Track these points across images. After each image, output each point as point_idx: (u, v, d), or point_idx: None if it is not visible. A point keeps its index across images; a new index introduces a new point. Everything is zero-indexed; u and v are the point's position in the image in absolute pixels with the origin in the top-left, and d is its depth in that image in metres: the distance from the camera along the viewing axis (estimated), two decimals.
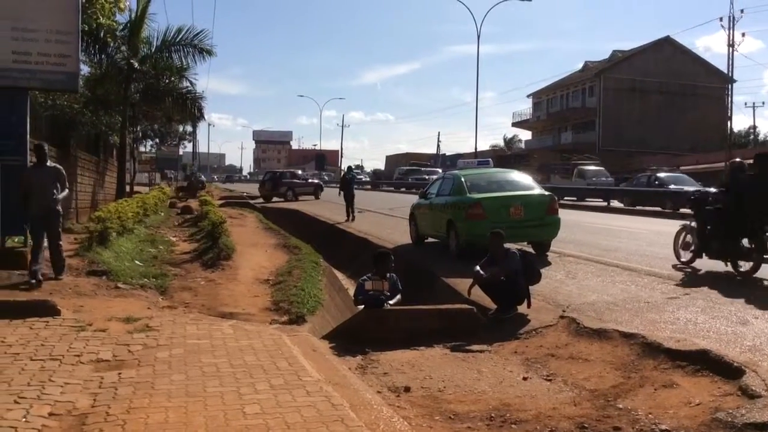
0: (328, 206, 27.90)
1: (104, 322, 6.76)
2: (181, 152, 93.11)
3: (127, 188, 25.05)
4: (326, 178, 42.57)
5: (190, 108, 24.32)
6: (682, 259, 10.25)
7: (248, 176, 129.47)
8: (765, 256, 8.75)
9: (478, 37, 45.68)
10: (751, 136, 69.62)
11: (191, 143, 75.20)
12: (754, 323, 6.59)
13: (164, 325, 6.77)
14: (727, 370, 5.19)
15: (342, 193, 22.47)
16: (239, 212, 24.20)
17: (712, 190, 10.80)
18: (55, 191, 8.64)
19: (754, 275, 8.92)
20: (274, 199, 35.50)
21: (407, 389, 5.59)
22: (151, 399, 4.56)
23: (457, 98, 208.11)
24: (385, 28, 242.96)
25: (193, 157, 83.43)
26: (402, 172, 53.99)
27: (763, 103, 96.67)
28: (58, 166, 9.07)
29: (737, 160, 10.87)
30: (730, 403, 4.61)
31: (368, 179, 68.55)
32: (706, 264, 9.80)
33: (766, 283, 8.82)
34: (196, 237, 15.84)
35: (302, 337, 6.85)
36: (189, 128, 57.20)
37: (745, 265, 9.06)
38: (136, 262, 11.17)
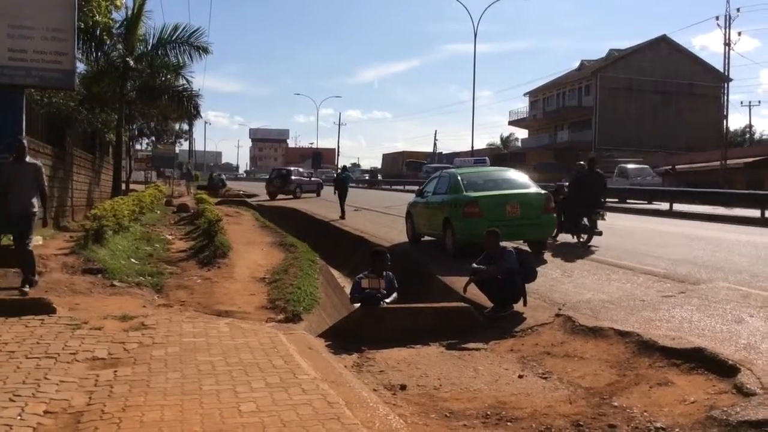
0: (324, 204, 27.90)
1: (100, 320, 6.75)
2: (177, 150, 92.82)
3: (123, 186, 25.01)
4: (324, 177, 42.31)
5: (187, 106, 24.25)
6: None
7: (245, 174, 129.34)
8: (595, 230, 12.93)
9: (475, 35, 45.77)
10: (747, 135, 69.80)
11: (187, 141, 75.23)
12: (749, 321, 6.62)
13: (160, 324, 6.76)
14: (722, 368, 5.20)
15: (336, 191, 23.42)
16: (235, 210, 24.17)
17: (566, 184, 15.03)
18: (32, 192, 8.33)
19: (589, 243, 12.86)
20: (279, 196, 35.56)
21: (403, 387, 5.60)
22: (147, 397, 4.55)
23: (454, 96, 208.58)
24: (382, 26, 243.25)
25: (189, 156, 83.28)
26: (430, 169, 46.10)
27: (759, 102, 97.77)
28: (37, 162, 8.86)
29: (580, 162, 15.35)
30: (725, 401, 4.62)
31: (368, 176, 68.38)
32: (564, 237, 13.66)
33: (592, 248, 12.47)
34: (192, 235, 15.81)
35: (298, 335, 6.85)
36: (185, 126, 57.13)
37: (584, 237, 13.05)
38: (132, 260, 11.15)
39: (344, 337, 7.23)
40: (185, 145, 74.53)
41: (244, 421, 4.11)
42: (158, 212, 22.60)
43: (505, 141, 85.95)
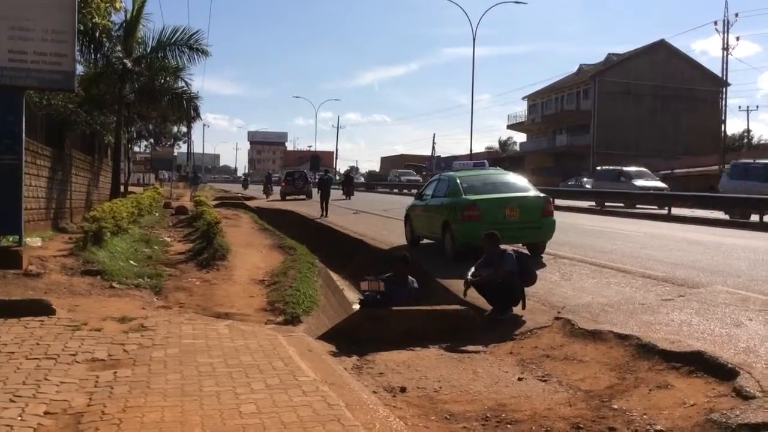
0: (314, 206, 27.91)
1: (99, 322, 6.75)
2: (175, 153, 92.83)
3: (122, 188, 24.99)
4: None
5: (186, 108, 24.30)
6: None
7: (243, 176, 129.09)
8: None
9: (474, 39, 45.67)
10: (745, 140, 69.92)
11: (186, 143, 75.21)
12: (748, 325, 6.62)
13: (159, 325, 6.76)
14: (722, 372, 5.21)
15: (320, 192, 24.89)
16: (233, 213, 24.19)
17: None
18: None
19: None
20: (287, 197, 36.30)
21: (403, 389, 5.60)
22: (147, 398, 4.55)
23: (452, 100, 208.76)
24: (381, 29, 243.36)
25: (187, 158, 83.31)
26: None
27: (758, 107, 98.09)
28: None
29: None
30: (724, 404, 4.63)
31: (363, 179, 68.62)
32: None
33: None
34: (190, 237, 15.80)
35: (298, 337, 6.85)
36: (184, 129, 57.14)
37: None
38: (131, 262, 11.14)
39: (344, 340, 7.24)
40: (184, 148, 74.60)
41: (245, 423, 4.11)
42: (157, 214, 22.58)
43: (504, 144, 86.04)
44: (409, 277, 8.19)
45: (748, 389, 4.75)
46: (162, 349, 5.87)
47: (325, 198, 24.33)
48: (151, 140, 53.09)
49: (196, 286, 9.88)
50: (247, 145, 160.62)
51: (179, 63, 22.65)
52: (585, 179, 36.23)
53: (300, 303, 8.43)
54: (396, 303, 7.80)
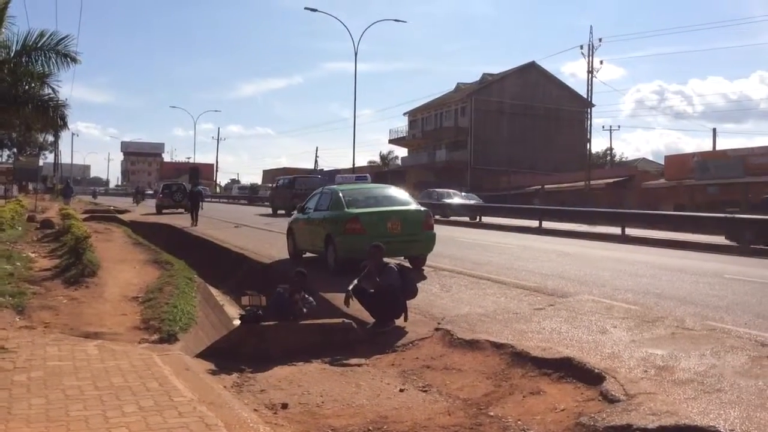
0: (202, 220, 27.08)
1: None
2: (41, 163, 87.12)
3: None
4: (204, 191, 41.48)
5: (52, 116, 22.81)
6: None
7: (117, 188, 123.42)
8: None
9: (356, 54, 46.33)
10: (608, 157, 75.14)
11: (53, 153, 70.87)
12: (612, 332, 7.07)
13: (22, 347, 6.28)
14: (589, 377, 5.52)
15: (190, 203, 27.24)
16: (105, 227, 22.98)
17: None
18: None
19: None
20: (164, 211, 35.23)
21: (285, 406, 5.51)
22: (8, 425, 4.21)
23: (336, 114, 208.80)
24: (263, 41, 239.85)
25: (54, 169, 78.42)
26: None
27: (619, 126, 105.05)
28: None
29: None
30: (592, 408, 4.90)
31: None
32: None
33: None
34: (57, 253, 14.83)
35: (174, 356, 6.58)
36: (51, 138, 53.88)
37: None
38: None
39: (224, 357, 7.03)
40: (51, 158, 70.35)
41: None
42: (20, 228, 21.04)
43: (386, 159, 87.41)
44: (303, 292, 8.09)
45: (613, 393, 5.06)
46: (25, 372, 5.45)
47: (194, 208, 26.51)
48: (14, 150, 49.61)
49: (63, 305, 9.26)
50: (121, 156, 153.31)
51: (45, 69, 21.29)
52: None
53: (177, 320, 8.11)
54: (291, 318, 7.71)
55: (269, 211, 35.23)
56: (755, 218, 18.33)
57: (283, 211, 31.83)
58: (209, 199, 49.82)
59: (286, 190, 33.90)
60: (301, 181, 34.81)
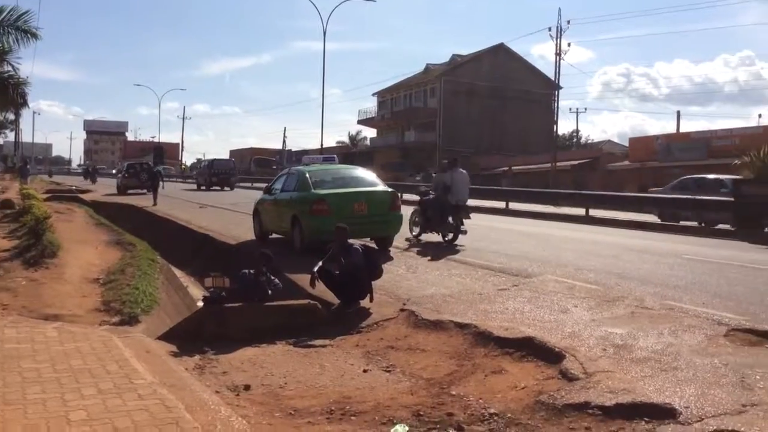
0: (163, 200, 26.76)
1: None
2: (1, 142, 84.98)
3: None
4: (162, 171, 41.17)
5: (12, 94, 22.21)
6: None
7: (78, 168, 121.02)
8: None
9: (325, 34, 45.87)
10: (574, 139, 75.95)
11: (13, 132, 69.10)
12: (573, 311, 7.18)
13: None
14: (550, 355, 5.60)
15: (150, 182, 27.87)
16: (67, 207, 22.54)
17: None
18: None
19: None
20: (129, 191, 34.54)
21: (247, 387, 5.49)
22: None
23: (304, 94, 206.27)
24: (229, 19, 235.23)
25: (15, 147, 76.52)
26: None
27: (586, 109, 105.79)
28: None
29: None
30: (552, 386, 4.97)
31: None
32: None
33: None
34: (17, 233, 14.51)
35: (135, 338, 6.51)
36: (11, 116, 52.43)
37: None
38: None
39: (186, 339, 6.97)
40: (11, 137, 68.67)
41: (73, 431, 3.84)
42: None
43: (354, 139, 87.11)
44: (269, 274, 8.02)
45: (572, 371, 5.14)
46: None
47: (154, 188, 26.95)
48: None
49: (21, 287, 9.08)
50: (84, 135, 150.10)
51: (5, 45, 20.66)
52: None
53: (139, 302, 8.02)
54: (256, 300, 7.65)
55: (204, 187, 41.20)
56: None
57: (204, 187, 40.33)
58: (170, 179, 49.61)
59: (206, 170, 42.47)
60: (217, 163, 43.85)
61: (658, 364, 5.24)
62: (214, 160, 45.45)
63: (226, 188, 39.30)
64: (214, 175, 40.21)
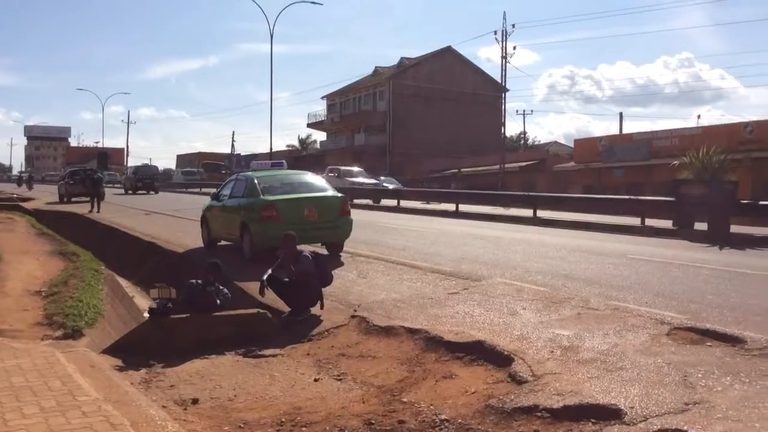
0: (108, 208, 26.15)
1: None
2: None
3: None
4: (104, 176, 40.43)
5: None
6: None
7: (21, 174, 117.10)
8: None
9: (272, 36, 45.68)
10: (522, 141, 77.24)
11: None
12: (522, 314, 7.28)
13: None
14: (499, 359, 5.67)
15: (88, 189, 27.77)
16: (7, 216, 21.79)
17: None
18: None
19: None
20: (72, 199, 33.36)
21: (195, 401, 5.39)
22: None
23: (252, 97, 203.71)
24: (173, 21, 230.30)
25: None
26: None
27: (532, 111, 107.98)
28: None
29: None
30: (501, 390, 5.03)
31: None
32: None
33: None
34: None
35: (79, 352, 6.32)
36: None
37: None
38: None
39: (132, 352, 6.81)
40: None
41: None
42: None
43: (304, 143, 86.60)
44: (217, 284, 7.88)
45: (521, 374, 5.21)
46: None
47: (93, 195, 26.79)
48: None
49: None
50: (24, 141, 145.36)
51: None
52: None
53: (82, 315, 7.79)
54: (204, 311, 7.51)
55: (130, 191, 43.80)
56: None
57: (131, 191, 43.25)
58: (112, 186, 49.19)
59: (132, 176, 45.97)
60: (142, 169, 49.09)
61: (604, 364, 5.35)
62: (138, 167, 51.56)
63: (151, 192, 42.66)
64: (139, 180, 44.14)
